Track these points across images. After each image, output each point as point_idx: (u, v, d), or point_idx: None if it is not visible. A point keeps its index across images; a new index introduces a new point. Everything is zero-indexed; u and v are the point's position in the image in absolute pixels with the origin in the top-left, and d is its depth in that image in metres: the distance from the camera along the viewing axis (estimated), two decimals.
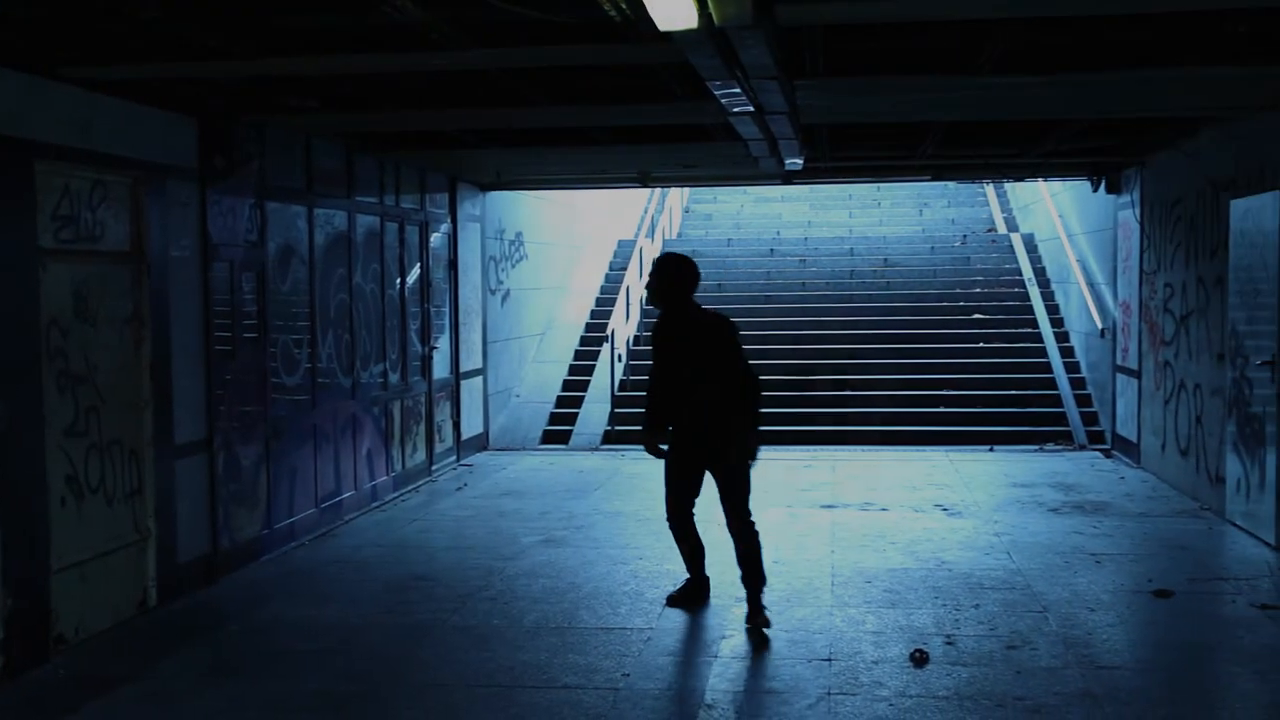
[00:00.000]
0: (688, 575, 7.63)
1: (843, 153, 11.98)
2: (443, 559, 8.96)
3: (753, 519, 7.27)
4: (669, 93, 8.06)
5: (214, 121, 8.18)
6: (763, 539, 9.17)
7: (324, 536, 9.66)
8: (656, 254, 18.95)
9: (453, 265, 13.09)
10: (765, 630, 6.96)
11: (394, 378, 11.45)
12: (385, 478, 11.19)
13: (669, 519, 7.52)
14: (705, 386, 7.16)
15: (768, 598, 7.62)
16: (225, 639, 7.07)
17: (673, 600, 7.56)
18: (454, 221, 13.10)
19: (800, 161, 11.04)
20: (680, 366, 7.24)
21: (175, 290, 7.78)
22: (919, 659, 6.40)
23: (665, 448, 7.46)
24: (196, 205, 8.05)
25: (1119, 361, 13.34)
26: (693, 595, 7.56)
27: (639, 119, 9.45)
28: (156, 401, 7.58)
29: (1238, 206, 9.44)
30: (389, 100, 8.58)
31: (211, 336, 8.19)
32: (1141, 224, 12.27)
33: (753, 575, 7.20)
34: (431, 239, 12.41)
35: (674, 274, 7.27)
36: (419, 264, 12.09)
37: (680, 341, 7.26)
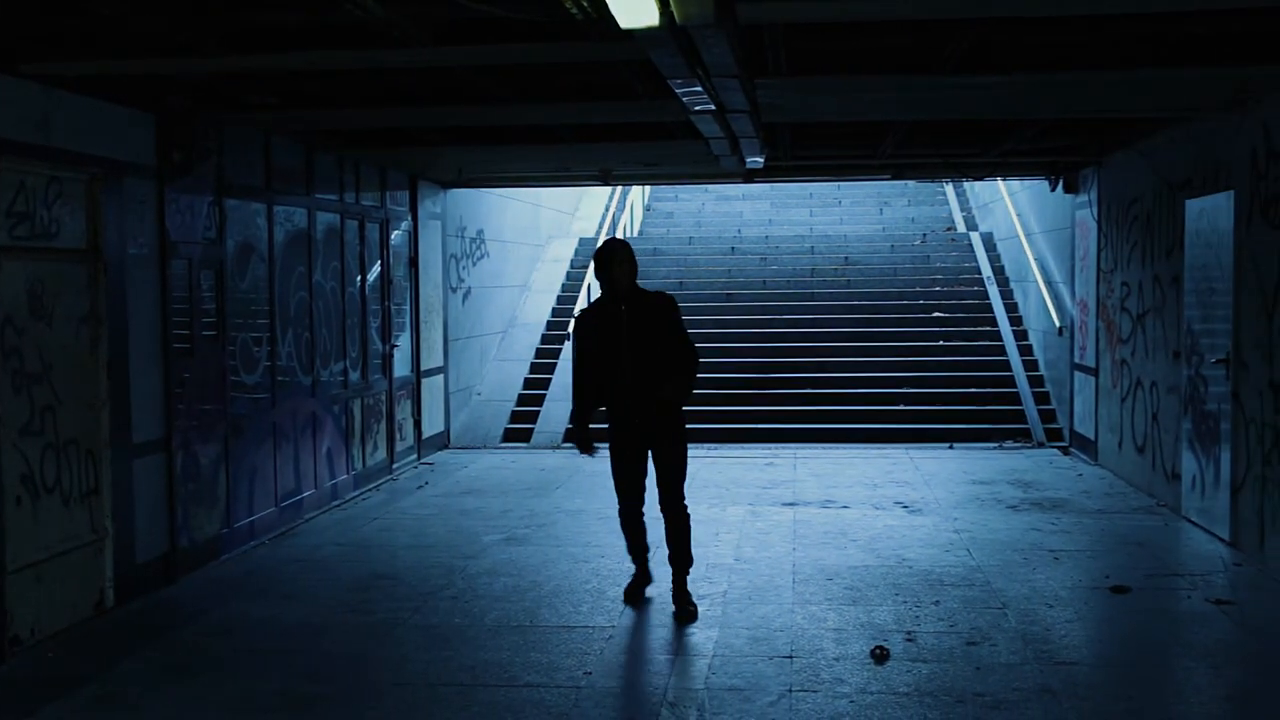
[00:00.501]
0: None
1: (804, 151, 12.03)
2: (404, 558, 8.92)
3: (686, 504, 7.43)
4: (631, 91, 8.07)
5: (172, 118, 8.11)
6: (725, 537, 9.25)
7: (284, 535, 9.60)
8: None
9: (413, 263, 13.04)
10: (690, 614, 7.22)
11: (354, 376, 11.40)
12: (346, 476, 11.13)
13: (621, 514, 7.53)
14: (646, 369, 7.22)
15: (731, 594, 7.65)
16: (184, 639, 7.01)
17: (629, 596, 7.62)
18: (415, 219, 13.04)
19: (761, 160, 11.07)
20: (623, 350, 7.23)
21: (132, 288, 7.71)
22: (879, 656, 6.44)
23: (600, 443, 7.51)
24: (154, 202, 7.98)
25: (1077, 359, 13.46)
26: (638, 589, 7.61)
27: (601, 117, 9.45)
28: (113, 400, 7.52)
29: (1193, 206, 9.55)
30: (350, 97, 8.53)
31: (169, 335, 8.12)
32: (1099, 223, 12.38)
33: (681, 555, 7.37)
34: (392, 237, 12.35)
35: (633, 255, 7.35)
36: (379, 262, 12.04)
37: (627, 324, 7.24)
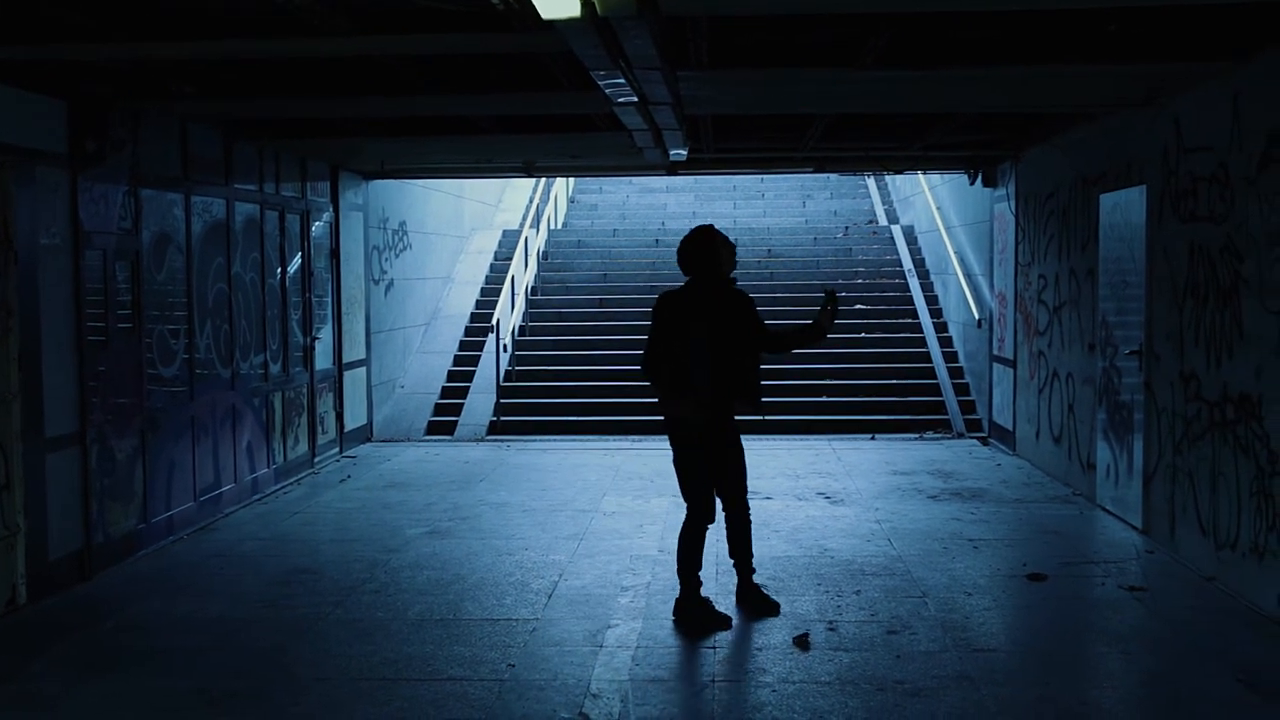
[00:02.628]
0: (687, 589, 7.01)
1: (727, 144, 12.07)
2: (326, 552, 8.84)
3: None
4: (554, 82, 8.04)
5: (86, 105, 7.95)
6: (649, 529, 9.28)
7: (203, 530, 9.47)
8: (541, 244, 18.93)
9: (335, 255, 12.90)
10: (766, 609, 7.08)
11: (275, 368, 11.26)
12: (266, 470, 11.00)
13: (693, 519, 6.98)
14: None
15: (654, 586, 7.68)
16: (100, 636, 6.89)
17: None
18: (336, 210, 12.91)
19: (684, 152, 11.11)
20: (719, 338, 6.89)
21: (45, 279, 7.55)
22: (801, 643, 6.49)
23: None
24: (67, 192, 7.82)
25: (995, 351, 13.65)
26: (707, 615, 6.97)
27: (524, 108, 9.42)
28: (25, 394, 7.36)
29: (1107, 200, 9.72)
30: (269, 87, 8.42)
31: (84, 327, 7.97)
32: (1017, 217, 12.57)
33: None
34: (313, 228, 12.22)
35: None
36: (300, 253, 11.90)
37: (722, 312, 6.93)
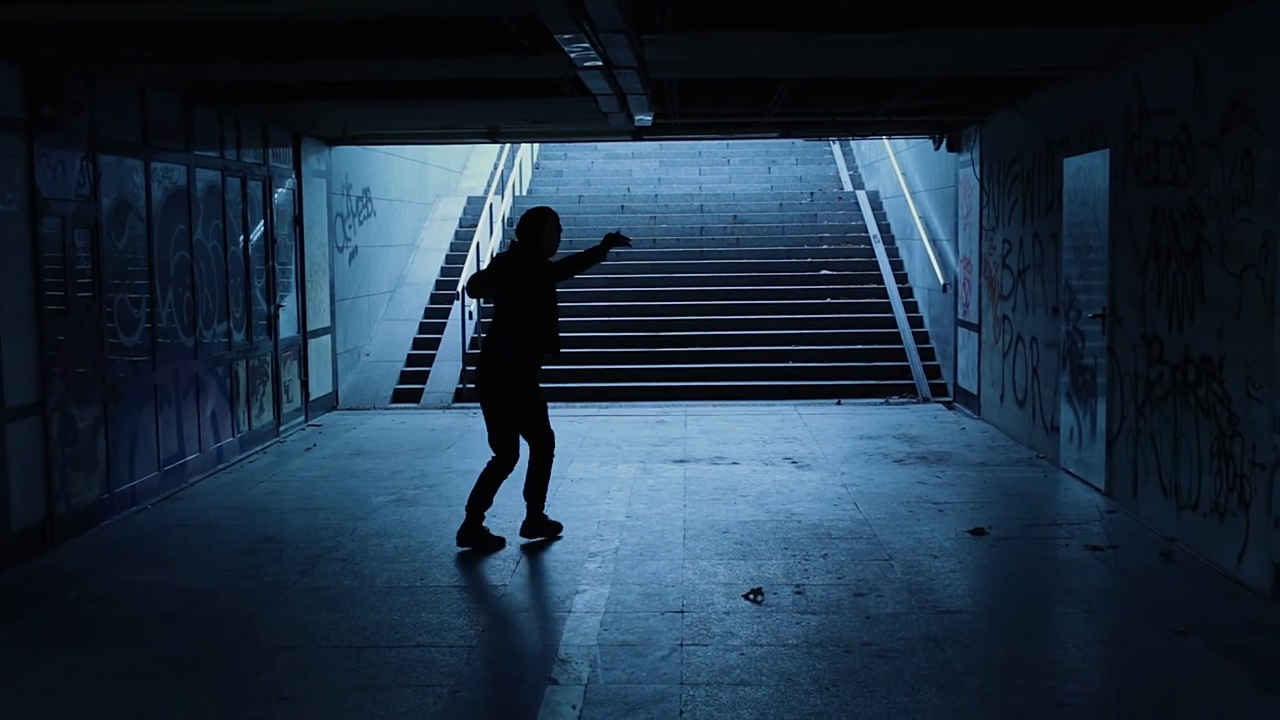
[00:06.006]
0: (475, 518, 7.98)
1: (692, 109, 12.03)
2: (292, 520, 8.80)
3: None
4: (518, 46, 7.98)
5: (41, 69, 7.82)
6: (616, 495, 9.30)
7: (168, 500, 9.41)
8: (506, 211, 18.86)
9: (298, 222, 12.79)
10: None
11: (238, 337, 11.17)
12: (231, 439, 10.93)
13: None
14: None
15: (622, 551, 7.69)
16: (63, 607, 6.84)
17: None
18: (299, 177, 12.79)
19: (650, 117, 11.06)
20: (542, 299, 7.86)
21: (1, 247, 7.45)
22: (754, 598, 6.60)
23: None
24: (23, 158, 7.70)
25: (960, 316, 13.71)
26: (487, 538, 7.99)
27: (487, 72, 9.34)
28: None
29: (1071, 164, 9.76)
30: (228, 51, 8.31)
31: (42, 295, 7.87)
32: (981, 181, 12.60)
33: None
34: (275, 195, 12.10)
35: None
36: (263, 220, 11.79)
37: (550, 280, 7.97)
